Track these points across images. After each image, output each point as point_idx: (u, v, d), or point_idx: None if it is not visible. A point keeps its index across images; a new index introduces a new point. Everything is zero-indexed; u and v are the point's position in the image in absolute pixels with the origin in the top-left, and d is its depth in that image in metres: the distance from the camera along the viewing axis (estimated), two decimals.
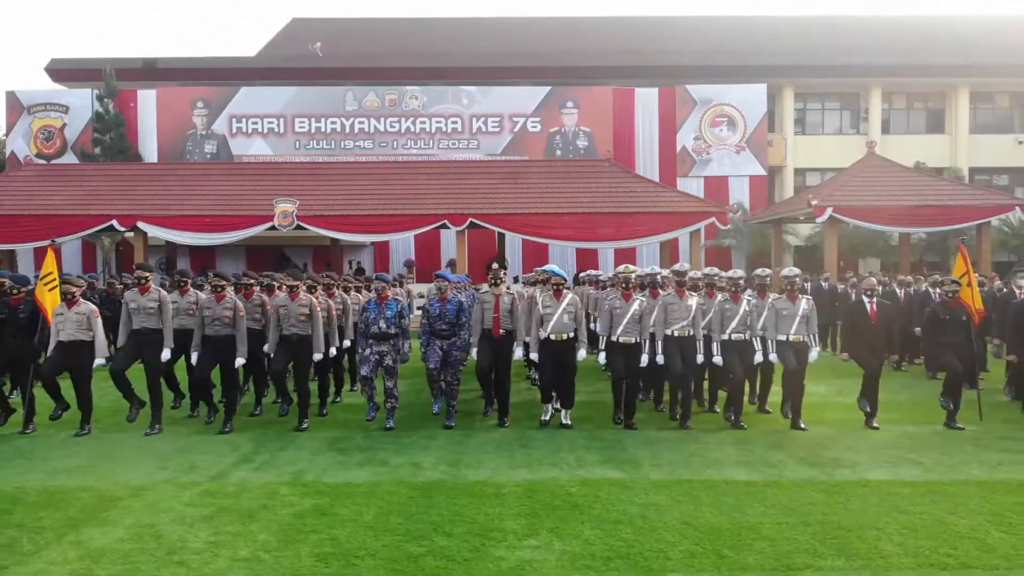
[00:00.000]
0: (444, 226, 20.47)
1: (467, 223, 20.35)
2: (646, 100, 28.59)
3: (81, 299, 8.03)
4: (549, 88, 28.63)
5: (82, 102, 28.65)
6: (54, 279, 8.27)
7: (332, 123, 28.90)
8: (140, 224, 20.39)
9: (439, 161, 25.35)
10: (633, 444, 7.39)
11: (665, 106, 28.49)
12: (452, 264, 25.82)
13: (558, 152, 28.51)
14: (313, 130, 28.88)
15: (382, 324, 8.13)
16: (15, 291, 8.32)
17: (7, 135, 28.99)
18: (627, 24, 32.80)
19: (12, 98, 28.84)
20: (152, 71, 29.66)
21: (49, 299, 8.15)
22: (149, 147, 28.63)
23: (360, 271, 25.75)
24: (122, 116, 27.90)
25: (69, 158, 28.37)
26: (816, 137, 30.46)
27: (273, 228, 20.45)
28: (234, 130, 28.80)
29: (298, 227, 20.66)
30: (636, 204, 20.77)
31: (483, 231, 21.33)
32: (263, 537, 4.89)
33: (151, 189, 21.64)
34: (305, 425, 8.16)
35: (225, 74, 29.82)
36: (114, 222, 20.42)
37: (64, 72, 29.93)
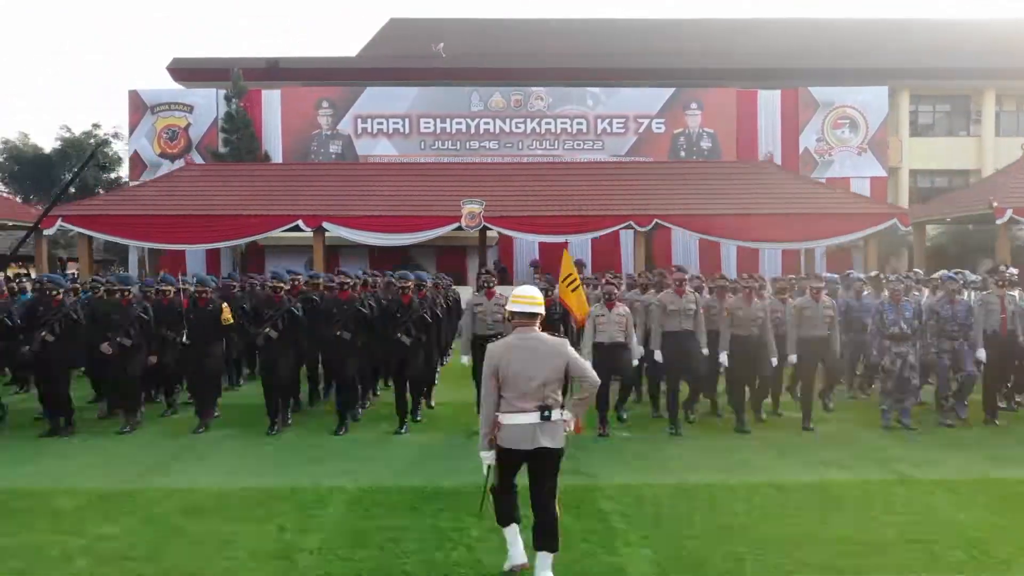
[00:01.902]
0: (629, 227, 20.64)
1: (652, 224, 20.57)
2: (769, 102, 28.91)
3: (618, 302, 8.11)
4: (674, 90, 28.87)
5: (206, 102, 28.52)
6: (575, 279, 8.37)
7: (457, 123, 28.96)
8: (325, 224, 20.42)
9: (606, 163, 25.62)
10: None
11: (787, 108, 28.81)
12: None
13: (682, 153, 28.76)
14: (438, 130, 28.93)
15: (903, 324, 8.28)
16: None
17: (131, 135, 28.76)
18: (749, 27, 33.15)
19: (135, 97, 28.64)
20: (274, 71, 29.56)
21: (573, 300, 8.25)
22: (273, 147, 28.53)
23: (503, 270, 25.79)
24: (248, 116, 27.85)
25: (194, 158, 28.23)
26: (928, 139, 30.96)
27: (459, 228, 20.61)
28: (359, 130, 28.79)
29: (484, 228, 20.83)
30: (815, 206, 21.07)
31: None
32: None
33: (328, 189, 21.69)
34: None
35: (347, 74, 29.85)
36: (300, 222, 20.43)
37: (185, 72, 29.80)
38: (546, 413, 4.10)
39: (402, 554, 4.75)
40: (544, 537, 4.18)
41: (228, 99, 27.87)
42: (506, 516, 4.32)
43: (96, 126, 33.86)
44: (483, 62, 30.09)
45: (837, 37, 31.74)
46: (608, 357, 7.72)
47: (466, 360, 8.10)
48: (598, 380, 4.29)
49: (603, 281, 8.21)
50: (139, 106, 28.62)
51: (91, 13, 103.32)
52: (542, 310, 4.22)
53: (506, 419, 4.12)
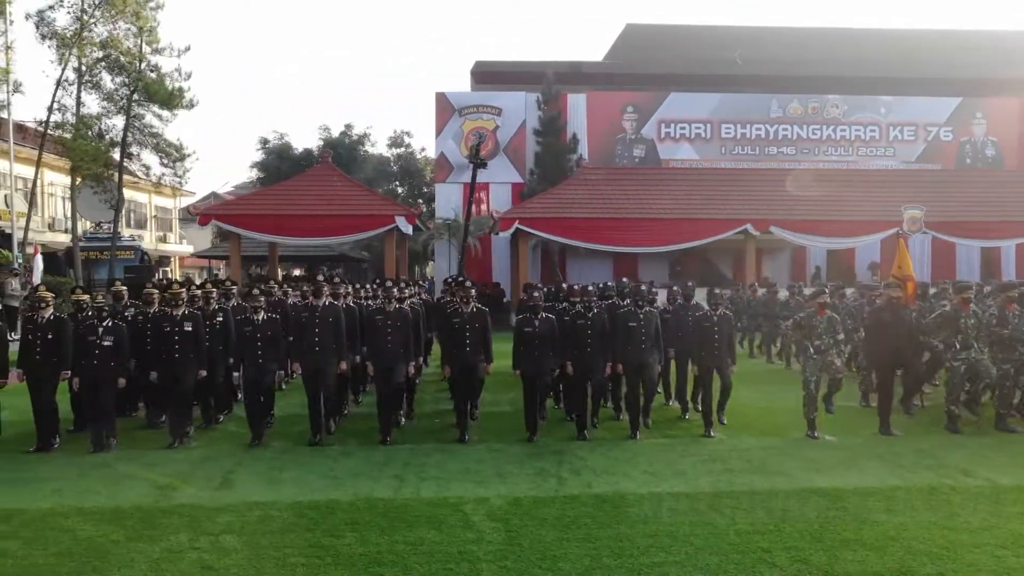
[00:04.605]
0: None
1: None
2: None
3: None
4: (960, 99, 29.78)
5: (514, 104, 28.51)
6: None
7: (757, 129, 29.44)
8: (773, 228, 20.76)
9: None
10: None
11: None
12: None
13: (968, 161, 29.69)
14: (738, 136, 29.36)
15: None
16: None
17: (437, 136, 28.53)
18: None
19: (442, 100, 28.52)
20: (574, 75, 29.68)
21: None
22: (579, 149, 28.63)
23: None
24: (562, 120, 27.92)
25: (502, 160, 28.21)
26: None
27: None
28: (662, 135, 29.08)
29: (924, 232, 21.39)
30: None
31: None
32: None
33: (761, 193, 22.03)
34: None
35: (644, 80, 30.07)
36: (749, 226, 20.75)
37: (487, 75, 29.70)
38: None
39: None
40: None
41: (540, 103, 27.92)
42: None
43: (349, 126, 33.49)
44: (775, 70, 30.54)
45: None
46: None
47: None
48: None
49: None
50: (446, 108, 28.48)
51: (340, 15, 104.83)
52: None
53: None
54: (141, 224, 37.55)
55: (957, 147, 29.75)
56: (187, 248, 42.67)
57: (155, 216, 39.14)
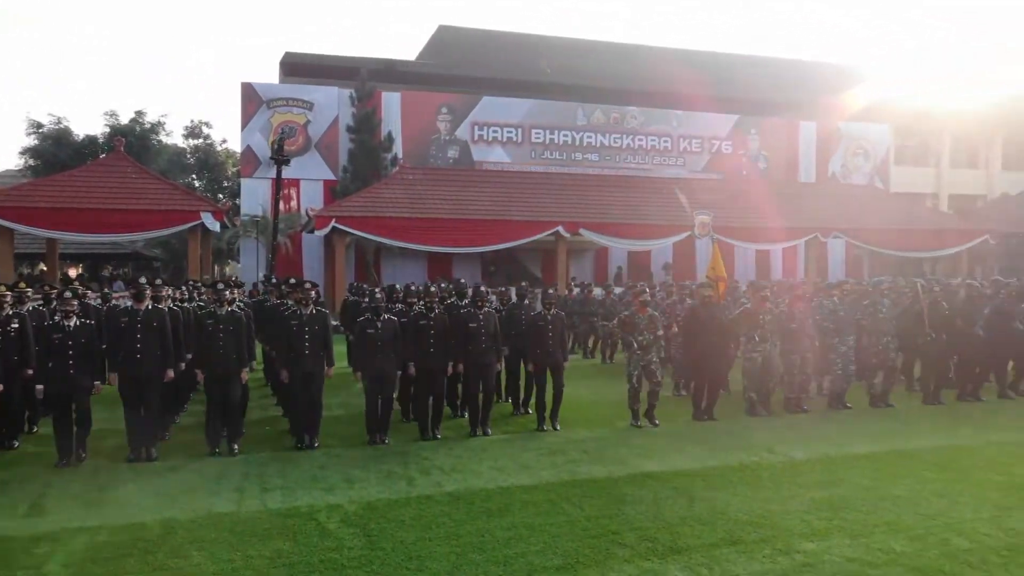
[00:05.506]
0: (816, 238, 24.59)
1: (832, 235, 24.75)
2: (807, 133, 34.39)
3: None
4: (738, 116, 33.25)
5: (327, 100, 27.79)
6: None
7: (564, 136, 30.97)
8: (583, 230, 21.96)
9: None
10: None
11: (821, 138, 34.49)
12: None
13: (744, 172, 33.24)
14: (547, 141, 30.73)
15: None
16: None
17: (243, 129, 27.02)
18: (796, 66, 37.80)
19: (248, 90, 27.19)
20: (392, 73, 29.46)
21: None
22: (394, 149, 28.52)
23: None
24: (376, 117, 27.68)
25: (313, 156, 27.51)
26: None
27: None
28: (476, 137, 29.74)
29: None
30: (927, 223, 26.53)
31: None
32: None
33: (570, 196, 23.11)
34: None
35: (457, 81, 30.50)
36: (560, 228, 21.78)
37: (298, 67, 28.61)
38: None
39: None
40: None
41: (353, 99, 27.48)
42: None
43: (140, 113, 30.79)
44: (580, 80, 32.21)
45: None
46: None
47: None
48: None
49: None
50: (253, 99, 27.23)
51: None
52: None
53: None
54: None
55: (737, 158, 33.17)
56: None
57: None
